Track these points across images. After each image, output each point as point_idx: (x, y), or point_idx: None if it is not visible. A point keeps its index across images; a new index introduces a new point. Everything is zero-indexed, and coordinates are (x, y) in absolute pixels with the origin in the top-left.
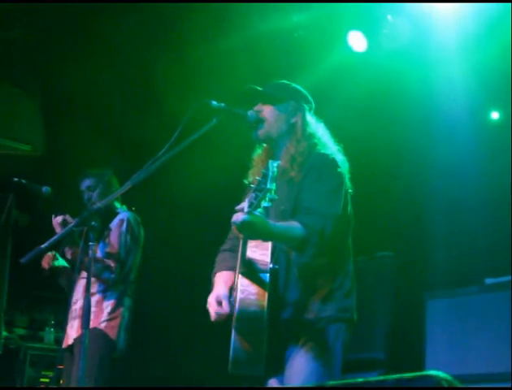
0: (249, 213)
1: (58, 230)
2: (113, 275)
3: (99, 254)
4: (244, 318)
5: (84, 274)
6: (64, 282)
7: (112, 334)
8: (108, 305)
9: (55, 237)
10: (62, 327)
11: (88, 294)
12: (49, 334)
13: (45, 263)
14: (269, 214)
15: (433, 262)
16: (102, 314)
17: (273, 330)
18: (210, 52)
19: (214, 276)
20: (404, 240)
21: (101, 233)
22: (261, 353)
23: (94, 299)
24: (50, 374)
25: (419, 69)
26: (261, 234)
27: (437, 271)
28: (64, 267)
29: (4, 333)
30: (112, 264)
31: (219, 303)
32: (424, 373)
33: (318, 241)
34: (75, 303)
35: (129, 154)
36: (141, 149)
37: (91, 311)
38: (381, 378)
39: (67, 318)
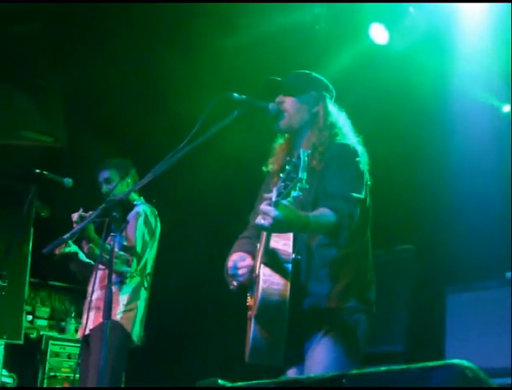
0: (276, 203)
1: (76, 225)
2: (130, 269)
3: (116, 247)
4: (266, 308)
5: (100, 266)
6: (75, 267)
7: (128, 326)
8: (124, 298)
9: (77, 228)
10: (82, 317)
11: (109, 285)
12: (69, 324)
13: (56, 249)
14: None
15: (453, 256)
16: (118, 305)
17: (294, 319)
18: (227, 47)
19: (228, 257)
20: (424, 234)
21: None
22: (281, 343)
23: None
24: (71, 364)
25: (440, 62)
26: (295, 227)
27: (457, 265)
28: (75, 253)
29: (26, 323)
30: (129, 257)
31: (237, 265)
32: (448, 361)
33: (350, 224)
34: (91, 294)
35: (150, 146)
36: (162, 141)
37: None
38: (404, 366)
39: (81, 309)
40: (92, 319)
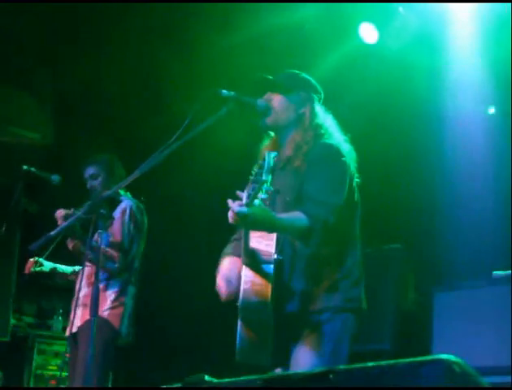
0: (247, 205)
1: (61, 222)
2: (116, 265)
3: (102, 244)
4: (248, 309)
5: (87, 263)
6: (59, 280)
7: (116, 322)
8: (111, 294)
9: (64, 224)
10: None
11: (97, 282)
12: (57, 322)
13: (26, 269)
14: (275, 205)
15: (441, 255)
16: (106, 302)
17: (279, 322)
18: (217, 47)
19: (220, 261)
20: (412, 233)
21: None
22: (266, 344)
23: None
24: (58, 362)
25: (430, 61)
26: (261, 226)
27: (445, 264)
28: (52, 269)
29: (12, 321)
30: (115, 254)
31: (228, 282)
32: (436, 357)
33: (322, 230)
34: (79, 291)
35: (138, 143)
36: (153, 137)
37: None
38: (392, 362)
39: (69, 307)
40: (79, 316)
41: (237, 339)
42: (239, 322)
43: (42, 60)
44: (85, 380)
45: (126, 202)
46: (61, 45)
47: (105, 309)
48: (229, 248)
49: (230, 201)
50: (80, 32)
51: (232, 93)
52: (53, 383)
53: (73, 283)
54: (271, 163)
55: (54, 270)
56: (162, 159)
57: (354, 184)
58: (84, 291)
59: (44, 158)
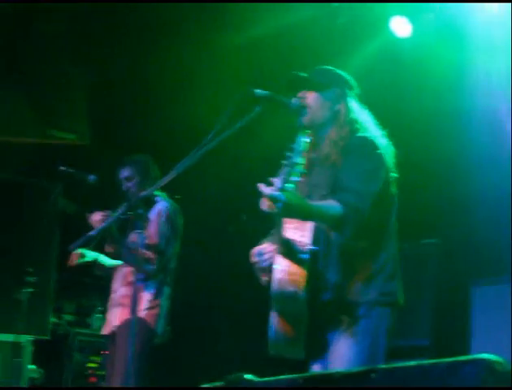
0: (281, 190)
1: (97, 225)
2: (153, 267)
3: (139, 245)
4: (282, 299)
5: (123, 264)
6: (98, 272)
7: (152, 322)
8: (148, 295)
9: (103, 225)
10: None
11: (136, 283)
12: (96, 320)
13: (70, 261)
14: (313, 200)
15: (479, 249)
16: (142, 302)
17: (313, 312)
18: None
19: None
20: (449, 227)
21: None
22: (300, 336)
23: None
24: (97, 359)
25: (461, 56)
26: (296, 212)
27: (483, 258)
28: (93, 261)
29: (53, 319)
30: (152, 256)
31: (259, 254)
32: (477, 356)
33: (357, 220)
34: (115, 292)
35: (174, 142)
36: (187, 138)
37: (130, 300)
38: (433, 361)
39: (107, 305)
40: (117, 316)
41: (270, 331)
42: (272, 314)
43: (77, 62)
44: (125, 379)
45: (162, 203)
46: (96, 47)
47: (142, 310)
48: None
49: (262, 186)
50: (114, 32)
51: (266, 92)
52: (93, 381)
53: (110, 277)
54: (301, 146)
55: (95, 261)
56: (197, 159)
57: (391, 178)
58: (120, 291)
59: (81, 159)
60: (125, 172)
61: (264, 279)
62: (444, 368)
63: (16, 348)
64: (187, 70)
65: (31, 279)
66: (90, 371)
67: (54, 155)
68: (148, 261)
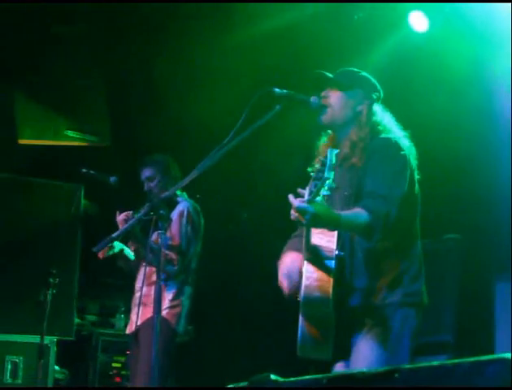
0: (309, 201)
1: (122, 225)
2: (175, 267)
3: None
4: (309, 304)
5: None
6: (121, 263)
7: (173, 321)
8: (169, 294)
9: (125, 226)
10: None
11: (159, 282)
12: (119, 320)
13: (100, 254)
14: (333, 201)
15: (502, 244)
16: (164, 302)
17: (340, 316)
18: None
19: (281, 257)
20: (472, 222)
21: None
22: (328, 339)
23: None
24: (122, 359)
25: (480, 51)
26: (325, 223)
27: (506, 254)
28: (120, 251)
29: (76, 320)
30: (174, 256)
31: (289, 277)
32: (501, 355)
33: (385, 225)
34: (139, 291)
35: (193, 142)
36: (206, 137)
37: (153, 299)
38: (457, 361)
39: (130, 305)
40: (140, 316)
41: (299, 334)
42: (300, 318)
43: (97, 63)
44: (148, 378)
45: (183, 204)
46: (114, 48)
47: (163, 309)
48: (290, 244)
49: (291, 197)
50: (132, 33)
51: (285, 91)
52: (117, 381)
53: (132, 272)
54: (334, 160)
55: (121, 252)
56: (218, 159)
57: (414, 179)
58: (144, 290)
59: (102, 160)
60: (146, 172)
61: (286, 291)
62: (467, 368)
63: (41, 349)
64: (203, 68)
65: (54, 280)
66: (115, 371)
67: (76, 157)
68: (170, 262)
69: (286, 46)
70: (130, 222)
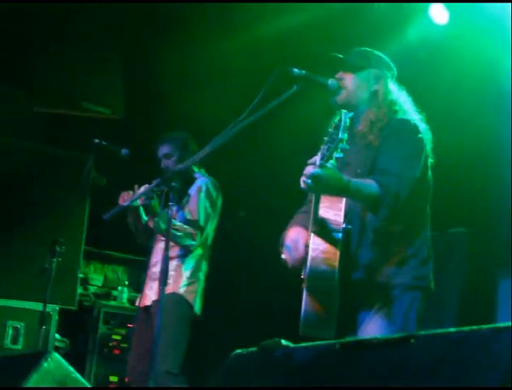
0: (321, 166)
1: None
2: (194, 242)
3: (178, 220)
4: (315, 277)
5: (162, 236)
6: (131, 221)
7: (190, 299)
8: (188, 271)
9: (135, 196)
10: (134, 287)
11: (166, 253)
12: (122, 293)
13: (122, 200)
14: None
15: (507, 240)
16: (182, 278)
17: (344, 291)
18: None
19: (286, 231)
20: (478, 217)
21: (181, 199)
22: (332, 316)
23: (174, 263)
24: (122, 331)
25: (499, 48)
26: (334, 188)
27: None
28: (136, 208)
29: (79, 290)
30: (193, 231)
31: (294, 248)
32: None
33: (393, 204)
34: (155, 265)
35: (207, 119)
36: (220, 114)
37: (170, 275)
38: (475, 327)
39: (145, 279)
40: (155, 290)
41: (302, 311)
42: (304, 294)
43: (111, 39)
44: (168, 350)
45: (201, 179)
46: (128, 25)
47: (181, 286)
48: (296, 219)
49: (309, 162)
50: (147, 13)
51: (303, 71)
52: (116, 353)
53: (139, 235)
54: (348, 123)
55: (137, 209)
56: (232, 136)
57: (429, 164)
58: (160, 266)
59: (114, 132)
60: (164, 149)
61: (290, 262)
62: (483, 333)
63: (43, 316)
64: (220, 51)
65: (60, 248)
66: (114, 343)
67: (88, 127)
68: (189, 236)
69: (310, 37)
70: (141, 191)
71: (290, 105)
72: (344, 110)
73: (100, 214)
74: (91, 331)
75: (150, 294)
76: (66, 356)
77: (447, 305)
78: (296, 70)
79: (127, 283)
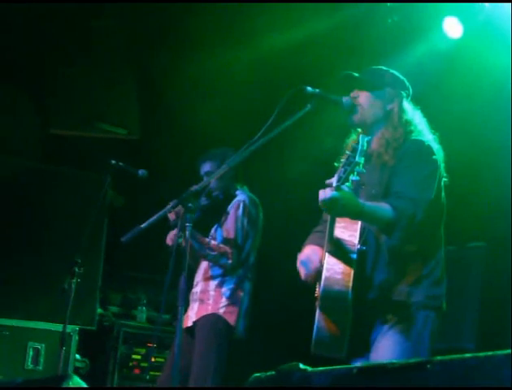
0: (337, 188)
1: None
2: (230, 261)
3: (218, 240)
4: (328, 297)
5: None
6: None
7: (231, 320)
8: (227, 291)
9: (154, 217)
10: (153, 306)
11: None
12: (141, 313)
13: (169, 240)
14: (359, 197)
15: None
16: (221, 299)
17: (358, 310)
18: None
19: (301, 250)
20: (497, 231)
21: (220, 217)
22: (344, 335)
23: (214, 283)
24: (142, 351)
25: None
26: (349, 211)
27: None
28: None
29: (99, 310)
30: (229, 250)
31: (308, 262)
32: None
33: (408, 226)
34: (196, 286)
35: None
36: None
37: (210, 295)
38: (490, 353)
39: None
40: (195, 311)
41: (314, 329)
42: (317, 312)
43: (128, 57)
44: (205, 373)
45: (240, 196)
46: (141, 44)
47: (220, 307)
48: (311, 238)
49: (320, 191)
50: (164, 29)
51: (317, 90)
52: (137, 372)
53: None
54: (365, 146)
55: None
56: (247, 155)
57: (442, 184)
58: (200, 286)
59: (131, 153)
60: (206, 167)
61: (304, 276)
62: (500, 360)
63: (63, 337)
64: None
65: (79, 269)
66: (134, 363)
67: (105, 148)
68: (224, 255)
69: (322, 50)
70: (159, 213)
71: (304, 124)
72: (362, 134)
73: (118, 234)
74: (111, 351)
75: (191, 315)
76: (86, 376)
77: (466, 319)
78: (309, 88)
79: (145, 302)
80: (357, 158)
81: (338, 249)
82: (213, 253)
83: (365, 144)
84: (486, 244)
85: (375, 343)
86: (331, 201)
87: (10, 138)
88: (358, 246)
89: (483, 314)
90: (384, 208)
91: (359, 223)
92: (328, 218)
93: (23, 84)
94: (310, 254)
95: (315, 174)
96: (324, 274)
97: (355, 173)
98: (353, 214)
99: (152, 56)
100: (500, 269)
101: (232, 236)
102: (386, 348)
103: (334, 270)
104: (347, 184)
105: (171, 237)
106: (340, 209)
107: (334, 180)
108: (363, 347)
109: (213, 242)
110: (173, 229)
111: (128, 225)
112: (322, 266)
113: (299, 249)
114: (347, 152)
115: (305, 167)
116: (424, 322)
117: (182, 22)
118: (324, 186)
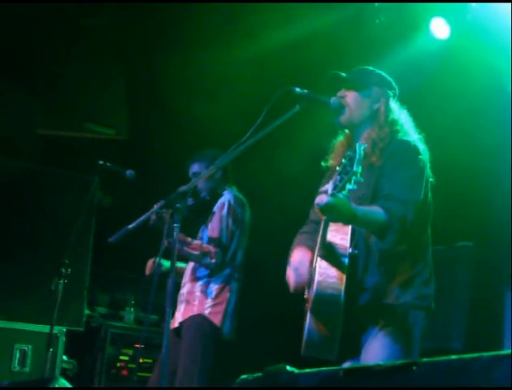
0: (333, 195)
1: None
2: (214, 261)
3: (204, 240)
4: (320, 301)
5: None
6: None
7: (217, 320)
8: (213, 291)
9: (141, 218)
10: (141, 307)
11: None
12: (129, 313)
13: (147, 270)
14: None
15: None
16: (207, 299)
17: (350, 314)
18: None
19: (290, 252)
20: (484, 231)
21: (206, 218)
22: (335, 338)
23: (200, 284)
24: (129, 352)
25: (501, 62)
26: (344, 217)
27: None
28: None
29: (86, 311)
30: (212, 249)
31: (297, 272)
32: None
33: (400, 228)
34: (183, 287)
35: (214, 138)
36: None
37: (196, 296)
38: (476, 355)
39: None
40: (181, 312)
41: (305, 331)
42: (308, 315)
43: (116, 57)
44: (191, 374)
45: (226, 196)
46: (134, 43)
47: (206, 307)
48: (298, 240)
49: (321, 190)
50: (159, 28)
51: (305, 91)
52: (124, 373)
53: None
54: (362, 155)
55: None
56: (235, 156)
57: (429, 185)
58: (187, 287)
59: (119, 153)
60: (194, 168)
61: (292, 286)
62: (486, 361)
63: (50, 338)
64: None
65: (66, 270)
66: (122, 364)
67: (93, 148)
68: (207, 254)
69: (310, 51)
70: (147, 213)
71: (294, 125)
72: (358, 142)
73: (106, 234)
74: (98, 352)
75: (178, 316)
76: (74, 377)
77: (454, 318)
78: (298, 89)
79: (133, 302)
80: (354, 168)
81: (330, 253)
82: (195, 253)
83: (362, 152)
84: (474, 243)
85: (365, 345)
86: (326, 207)
87: None
88: (350, 250)
89: (472, 314)
90: (376, 211)
91: (350, 226)
92: (317, 219)
93: (12, 84)
94: (299, 262)
95: (308, 175)
96: (317, 278)
97: (352, 182)
98: (347, 218)
99: (147, 55)
100: (488, 268)
101: (216, 235)
102: (376, 350)
103: (327, 274)
104: (343, 192)
105: (149, 267)
106: (335, 215)
107: (329, 188)
108: (354, 349)
109: (196, 242)
110: (152, 230)
111: (115, 225)
112: (313, 269)
113: (289, 250)
114: (343, 161)
115: (298, 168)
116: (414, 323)
117: (177, 21)
118: (317, 192)
